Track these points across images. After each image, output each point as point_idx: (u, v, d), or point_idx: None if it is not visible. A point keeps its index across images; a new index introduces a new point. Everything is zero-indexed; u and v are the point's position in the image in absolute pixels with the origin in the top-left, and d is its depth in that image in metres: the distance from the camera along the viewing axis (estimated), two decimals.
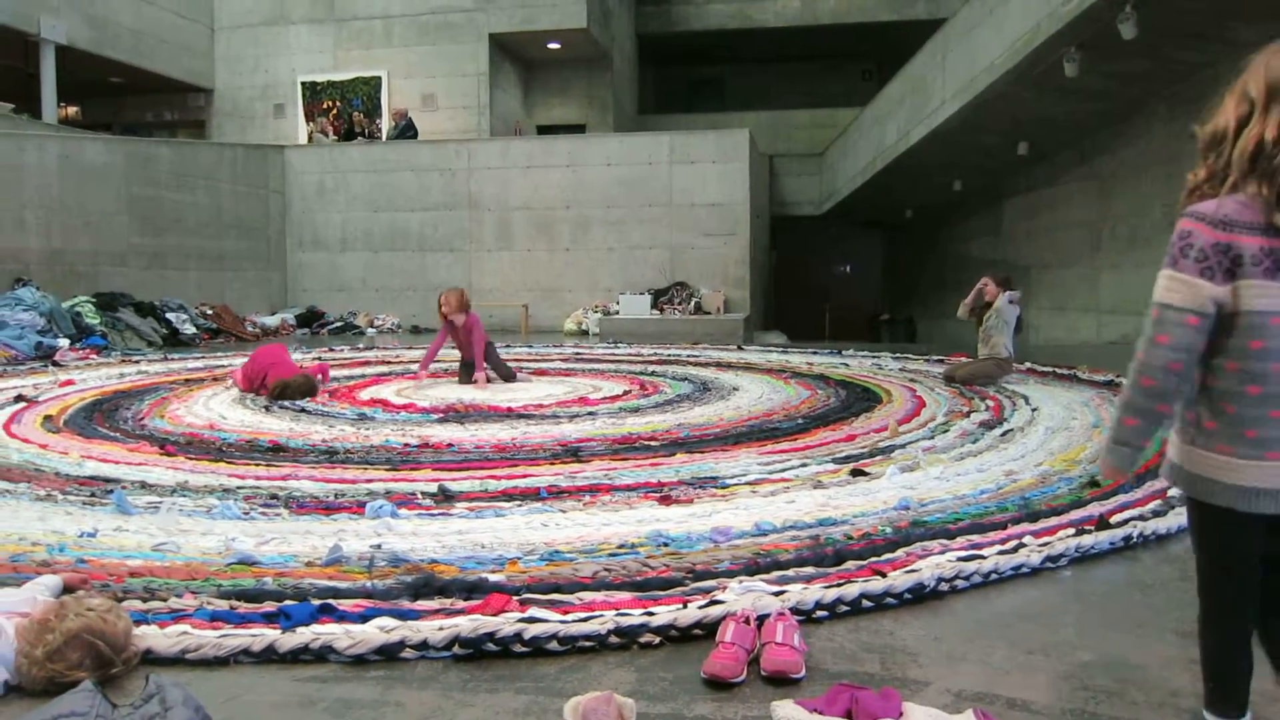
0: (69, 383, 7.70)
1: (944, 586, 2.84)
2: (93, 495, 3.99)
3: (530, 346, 11.55)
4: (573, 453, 4.90)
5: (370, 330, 14.93)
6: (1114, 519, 3.41)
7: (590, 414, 6.22)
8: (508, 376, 8.07)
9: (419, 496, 3.95)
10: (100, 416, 6.10)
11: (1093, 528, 3.31)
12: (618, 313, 14.40)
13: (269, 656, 2.37)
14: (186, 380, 8.04)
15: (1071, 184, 13.91)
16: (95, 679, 2.04)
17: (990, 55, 11.06)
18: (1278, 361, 1.66)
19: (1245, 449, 1.68)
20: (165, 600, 2.66)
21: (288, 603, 2.61)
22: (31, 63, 15.58)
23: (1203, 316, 1.67)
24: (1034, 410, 6.00)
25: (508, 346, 11.37)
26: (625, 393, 7.25)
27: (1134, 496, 3.78)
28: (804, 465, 4.54)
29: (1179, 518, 3.45)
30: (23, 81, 16.35)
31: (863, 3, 21.53)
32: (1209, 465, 1.72)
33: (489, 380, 7.80)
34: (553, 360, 9.89)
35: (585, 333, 14.11)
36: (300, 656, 2.38)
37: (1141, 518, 3.45)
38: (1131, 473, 1.95)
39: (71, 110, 20.09)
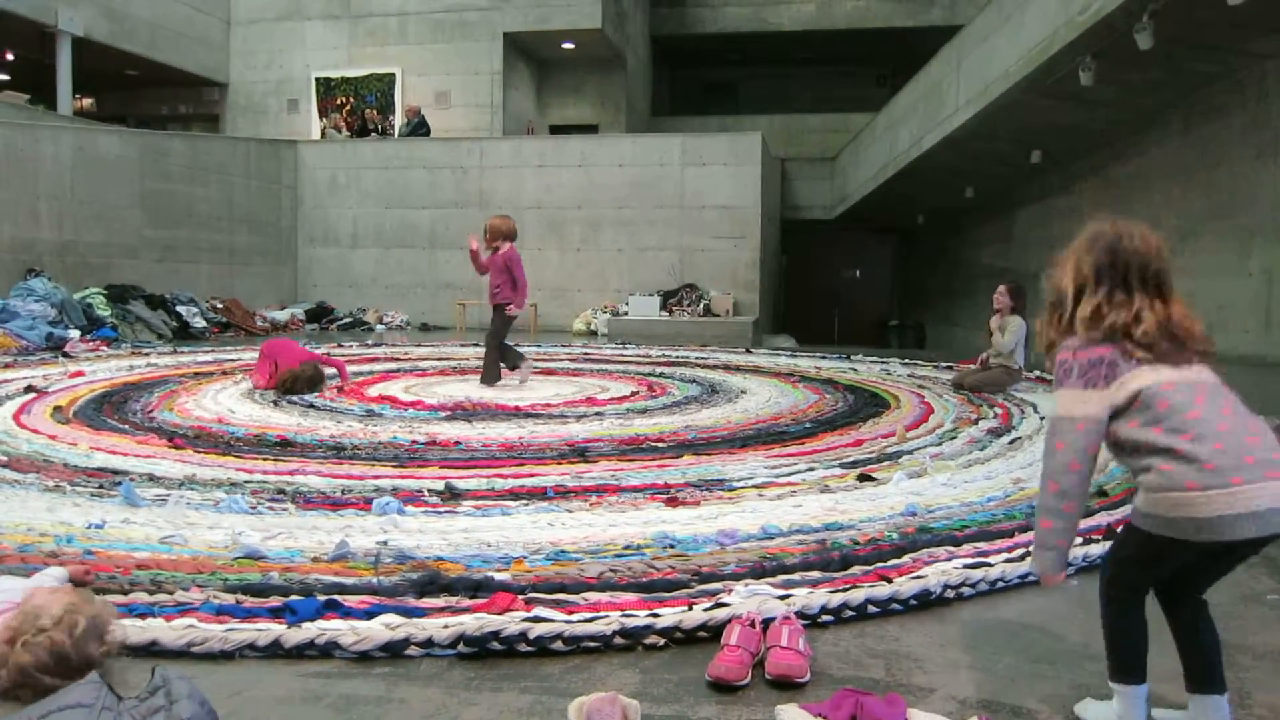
0: (79, 374, 7.73)
1: (950, 593, 2.83)
2: (101, 487, 4.01)
3: (539, 346, 11.55)
4: (580, 453, 4.90)
5: (379, 327, 14.96)
6: (1121, 529, 3.39)
7: (598, 414, 6.22)
8: (513, 363, 7.75)
9: (426, 494, 3.96)
10: (109, 408, 6.12)
11: (1099, 537, 3.30)
12: (627, 314, 14.40)
13: (274, 651, 2.37)
14: (196, 373, 8.07)
15: (1084, 193, 13.87)
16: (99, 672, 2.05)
17: (1006, 63, 11.03)
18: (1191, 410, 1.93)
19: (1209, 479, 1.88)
20: (172, 593, 2.66)
21: (294, 598, 2.62)
22: (48, 54, 15.66)
23: (1093, 421, 1.98)
24: (1042, 418, 5.98)
25: (516, 345, 11.38)
26: (633, 394, 7.25)
27: None
28: (811, 469, 4.54)
29: None
30: (39, 72, 16.44)
31: (878, 8, 21.51)
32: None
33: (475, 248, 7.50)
34: (561, 360, 9.90)
35: (594, 333, 14.12)
36: (305, 652, 2.38)
37: None
38: (1063, 574, 2.14)
39: (87, 102, 20.21)
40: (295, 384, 6.82)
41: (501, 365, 7.76)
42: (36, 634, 2.07)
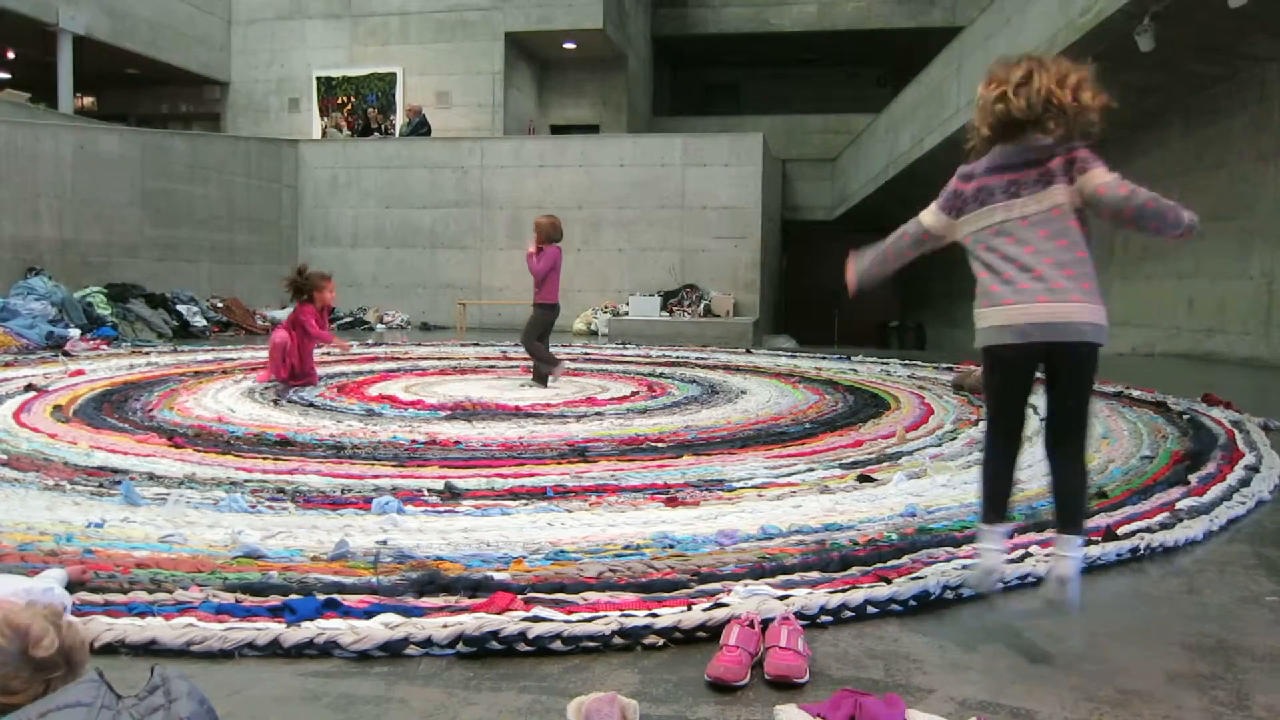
0: (79, 373, 7.73)
1: (949, 594, 2.83)
2: (101, 486, 4.01)
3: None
4: (580, 453, 4.90)
5: (380, 326, 14.97)
6: (1121, 530, 3.40)
7: (598, 414, 6.22)
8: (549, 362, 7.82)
9: (426, 493, 3.96)
10: (109, 407, 6.12)
11: (1099, 539, 3.29)
12: (627, 314, 14.40)
13: (273, 651, 2.37)
14: (196, 372, 8.08)
15: None
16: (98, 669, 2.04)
17: None
18: None
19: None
20: (171, 592, 2.66)
21: (293, 597, 2.62)
22: (49, 52, 15.68)
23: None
24: (1042, 420, 5.96)
25: (516, 345, 11.38)
26: (633, 394, 7.25)
27: (1141, 509, 3.76)
28: (810, 470, 4.54)
29: (1187, 530, 3.44)
30: (40, 71, 16.46)
31: (879, 9, 21.52)
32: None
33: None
34: (561, 360, 9.88)
35: (594, 333, 14.13)
36: (305, 651, 2.38)
37: (1149, 530, 3.44)
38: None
39: (88, 101, 20.23)
40: (303, 279, 7.51)
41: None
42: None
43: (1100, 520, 3.56)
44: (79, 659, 2.09)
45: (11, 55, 17.92)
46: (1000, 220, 2.55)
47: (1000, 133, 2.57)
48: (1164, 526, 3.49)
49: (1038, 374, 2.58)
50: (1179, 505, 3.79)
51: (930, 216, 2.76)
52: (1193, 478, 4.27)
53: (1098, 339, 2.45)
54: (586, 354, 10.66)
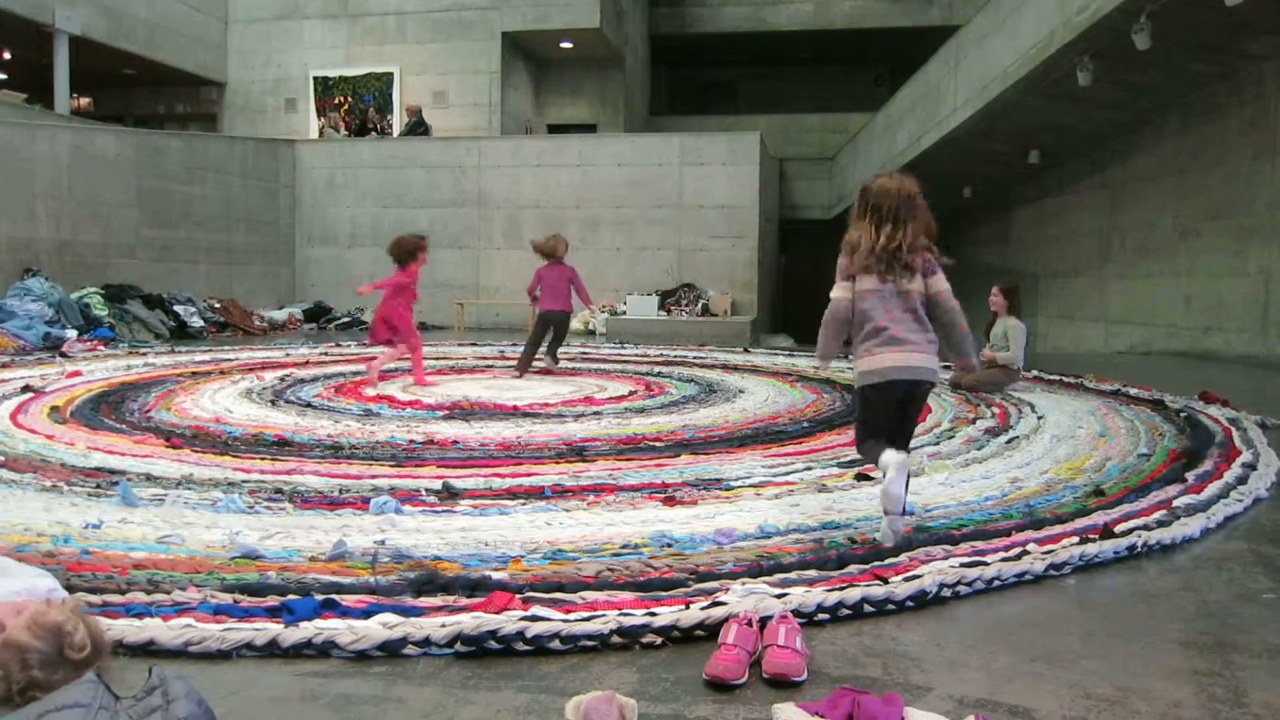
0: (76, 374, 7.73)
1: (947, 592, 2.83)
2: (98, 487, 4.00)
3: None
4: (577, 452, 4.90)
5: None
6: (1118, 528, 3.40)
7: (596, 414, 6.22)
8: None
9: (423, 493, 3.96)
10: (107, 408, 6.12)
11: (1097, 536, 3.30)
12: (625, 313, 14.40)
13: (272, 651, 2.37)
14: (193, 373, 8.07)
15: (1082, 193, 13.90)
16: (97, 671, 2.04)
17: (1003, 62, 11.05)
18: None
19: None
20: (169, 593, 2.66)
21: (291, 597, 2.62)
22: (45, 53, 15.65)
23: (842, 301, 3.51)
24: (1040, 418, 5.98)
25: (514, 345, 11.37)
26: (631, 393, 7.25)
27: (1139, 506, 3.77)
28: (808, 469, 4.54)
29: (1184, 528, 3.45)
30: (36, 71, 16.44)
31: (876, 8, 21.53)
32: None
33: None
34: (559, 359, 9.88)
35: (592, 332, 14.12)
36: (303, 651, 2.38)
37: (1146, 528, 3.44)
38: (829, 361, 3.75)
39: (84, 101, 20.21)
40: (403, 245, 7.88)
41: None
42: (24, 695, 1.99)
43: (1098, 518, 3.57)
44: (105, 648, 2.13)
45: (8, 56, 17.90)
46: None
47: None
48: (1161, 524, 3.50)
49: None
50: (1176, 503, 3.79)
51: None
52: (1190, 475, 4.28)
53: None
54: (584, 353, 10.66)
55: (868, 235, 3.42)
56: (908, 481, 3.31)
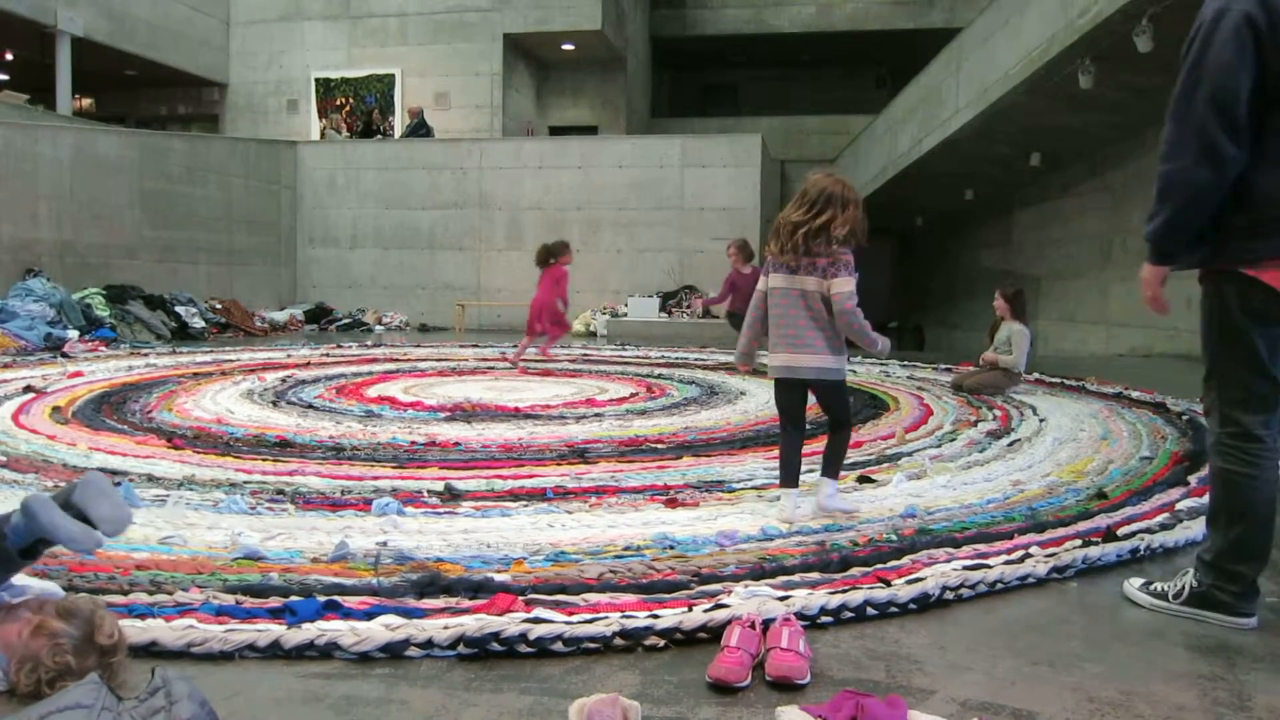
0: (78, 374, 7.73)
1: (949, 595, 2.83)
2: None
3: (536, 347, 11.53)
4: (579, 454, 4.90)
5: (378, 328, 14.96)
6: (1121, 531, 3.40)
7: (597, 416, 6.22)
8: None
9: (425, 495, 3.95)
10: (108, 409, 6.12)
11: (1100, 539, 3.30)
12: (626, 315, 14.40)
13: (274, 652, 2.37)
14: (195, 374, 8.07)
15: (1084, 196, 13.89)
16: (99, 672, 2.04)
17: (1005, 65, 11.05)
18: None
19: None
20: (171, 594, 2.66)
21: (293, 598, 2.61)
22: (47, 54, 15.67)
23: (758, 294, 3.91)
24: (1041, 421, 5.98)
25: (512, 346, 11.37)
26: (632, 395, 7.25)
27: (1141, 509, 3.77)
28: (811, 471, 4.53)
29: (1187, 531, 3.44)
30: (38, 73, 16.45)
31: (878, 10, 21.54)
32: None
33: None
34: (560, 361, 9.90)
35: (593, 334, 14.13)
36: (305, 653, 2.37)
37: (1149, 531, 3.44)
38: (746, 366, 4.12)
39: (86, 102, 20.22)
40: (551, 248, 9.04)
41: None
42: (51, 686, 2.05)
43: (1100, 521, 3.57)
44: (123, 642, 2.19)
45: (10, 57, 17.92)
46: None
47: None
48: (1164, 527, 3.50)
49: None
50: (1179, 506, 3.79)
51: None
52: (1192, 479, 4.27)
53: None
54: (585, 355, 10.66)
55: (790, 212, 3.71)
56: (834, 496, 3.81)
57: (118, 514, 2.36)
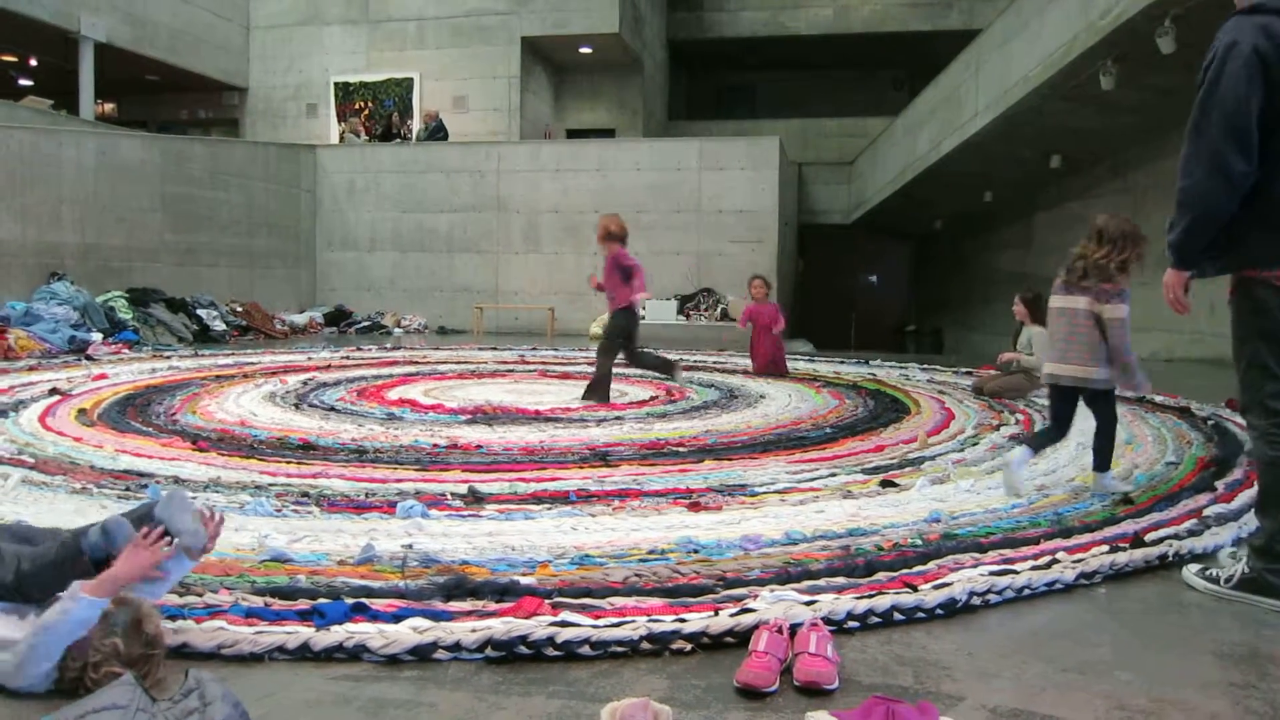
0: (102, 376, 7.79)
1: (977, 600, 2.82)
2: (127, 489, 4.04)
3: (556, 349, 11.57)
4: (601, 457, 4.90)
5: (397, 330, 15.01)
6: (1149, 537, 3.38)
7: (617, 419, 6.22)
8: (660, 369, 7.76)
9: (449, 497, 3.97)
10: (133, 411, 6.16)
11: (1127, 545, 3.28)
12: (644, 317, 14.37)
13: (303, 654, 2.38)
14: (217, 376, 8.12)
15: (1104, 198, 13.79)
16: (135, 674, 2.06)
17: (1025, 67, 10.99)
18: None
19: None
20: (201, 595, 2.68)
21: (321, 601, 2.63)
22: (71, 60, 15.78)
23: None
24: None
25: (534, 349, 11.40)
26: (652, 398, 7.25)
27: (1169, 515, 3.74)
28: (833, 475, 4.53)
29: (1215, 537, 3.42)
30: (62, 78, 16.59)
31: (896, 12, 21.47)
32: None
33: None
34: (579, 364, 9.91)
35: None
36: (334, 655, 2.39)
37: (1177, 536, 3.41)
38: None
39: (109, 107, 20.38)
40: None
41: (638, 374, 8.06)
42: (96, 669, 2.14)
43: (1127, 526, 3.55)
44: (163, 639, 2.25)
45: (34, 63, 18.07)
46: None
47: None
48: (1192, 533, 3.47)
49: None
50: (1207, 512, 3.76)
51: None
52: (1220, 484, 4.24)
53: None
54: None
55: (1090, 250, 4.14)
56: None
57: (198, 529, 2.48)
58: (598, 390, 7.08)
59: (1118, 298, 4.06)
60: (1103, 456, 4.23)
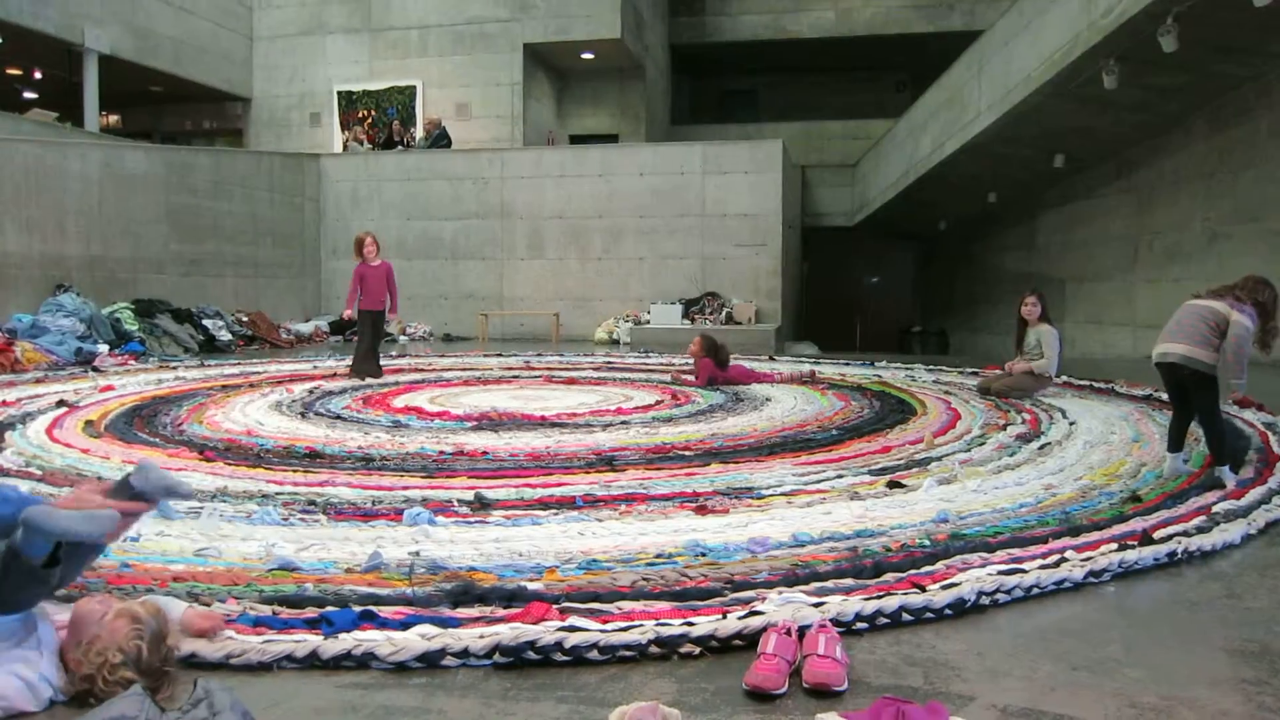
0: (109, 388, 7.81)
1: (985, 600, 2.81)
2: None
3: (561, 355, 11.57)
4: (607, 462, 4.90)
5: (402, 338, 15.03)
6: (1157, 534, 3.37)
7: (624, 423, 6.22)
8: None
9: (456, 504, 3.97)
10: (140, 422, 6.18)
11: (1136, 543, 3.26)
12: (649, 322, 14.40)
13: (311, 662, 2.38)
14: (223, 386, 8.13)
15: (1108, 197, 13.78)
16: (144, 684, 2.06)
17: (1027, 67, 10.99)
18: None
19: None
20: (209, 605, 2.68)
21: (329, 609, 2.63)
22: (75, 72, 15.86)
23: None
24: (1071, 424, 5.93)
25: (539, 355, 11.41)
26: (657, 402, 7.24)
27: (1177, 512, 3.73)
28: (840, 476, 4.52)
29: (1225, 534, 3.41)
30: (66, 90, 16.65)
31: (898, 14, 21.46)
32: None
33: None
34: (584, 369, 9.91)
35: (616, 342, 14.13)
36: (342, 663, 2.39)
37: (1185, 534, 3.40)
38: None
39: (113, 119, 20.45)
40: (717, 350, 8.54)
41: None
42: (112, 671, 2.13)
43: (1136, 524, 3.53)
44: (176, 664, 2.27)
45: (39, 75, 18.15)
46: None
47: None
48: (1201, 530, 3.46)
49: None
50: (1216, 509, 3.75)
51: None
52: (1229, 481, 4.22)
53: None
54: (609, 362, 10.67)
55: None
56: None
57: (177, 480, 2.55)
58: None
59: (1248, 312, 4.36)
60: (1217, 451, 4.36)
